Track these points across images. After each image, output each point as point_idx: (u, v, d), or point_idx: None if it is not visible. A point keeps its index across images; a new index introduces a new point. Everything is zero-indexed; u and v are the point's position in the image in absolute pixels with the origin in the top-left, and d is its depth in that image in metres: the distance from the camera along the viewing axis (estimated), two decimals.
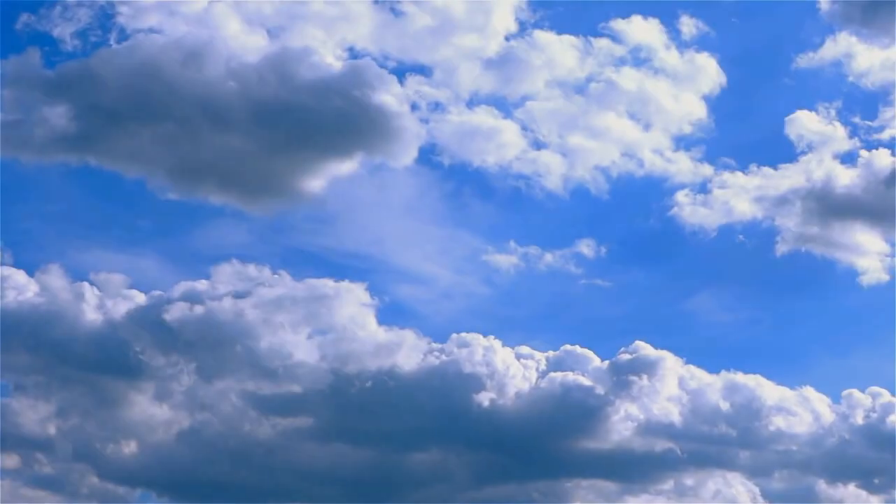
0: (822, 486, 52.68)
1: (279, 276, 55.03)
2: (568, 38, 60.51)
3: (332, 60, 55.49)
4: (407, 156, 56.38)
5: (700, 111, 60.75)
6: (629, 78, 60.64)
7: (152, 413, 51.64)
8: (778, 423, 52.71)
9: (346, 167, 56.21)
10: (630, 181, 61.40)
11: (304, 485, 51.74)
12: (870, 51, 60.81)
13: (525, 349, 54.57)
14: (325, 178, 56.08)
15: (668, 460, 51.58)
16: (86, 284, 53.25)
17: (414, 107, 57.74)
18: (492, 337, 53.72)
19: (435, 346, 53.34)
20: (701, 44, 61.59)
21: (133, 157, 54.26)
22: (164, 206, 57.88)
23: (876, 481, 52.02)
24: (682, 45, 61.39)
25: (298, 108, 54.50)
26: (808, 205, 58.77)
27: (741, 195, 59.88)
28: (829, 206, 58.28)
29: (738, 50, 64.29)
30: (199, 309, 51.71)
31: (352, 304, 53.61)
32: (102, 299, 52.96)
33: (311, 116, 54.47)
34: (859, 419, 53.63)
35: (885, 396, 54.00)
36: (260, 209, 56.94)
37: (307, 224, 60.72)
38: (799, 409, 53.46)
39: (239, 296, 52.43)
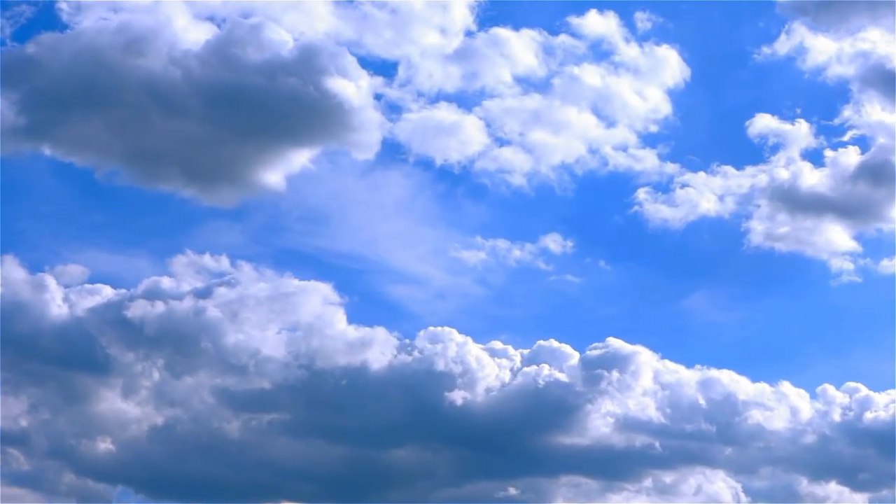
0: (803, 482, 52.38)
1: (241, 269, 54.52)
2: (527, 34, 60.54)
3: (287, 45, 54.44)
4: (369, 149, 56.01)
5: (664, 106, 60.81)
6: (591, 73, 60.64)
7: (123, 409, 51.01)
8: (756, 418, 52.42)
9: (305, 157, 55.40)
10: (595, 178, 61.31)
11: (283, 482, 51.21)
12: (826, 42, 61.06)
13: (498, 345, 54.25)
14: (284, 167, 55.18)
15: (648, 456, 51.27)
16: (46, 276, 52.57)
17: (376, 96, 57.32)
18: (455, 331, 53.50)
19: (407, 342, 52.90)
20: (660, 36, 61.68)
21: (84, 145, 53.09)
22: (119, 194, 57.04)
23: (860, 477, 51.78)
24: (640, 38, 61.47)
25: (255, 94, 53.54)
26: (775, 202, 58.91)
27: (707, 192, 59.89)
28: (797, 203, 58.41)
29: (698, 41, 64.41)
30: (165, 303, 51.04)
31: (317, 301, 53.03)
32: (64, 292, 52.26)
33: (269, 103, 53.55)
34: (837, 415, 53.39)
35: (863, 391, 53.87)
36: (216, 198, 55.91)
37: (268, 215, 60.05)
38: (776, 405, 53.19)
39: (201, 294, 51.83)
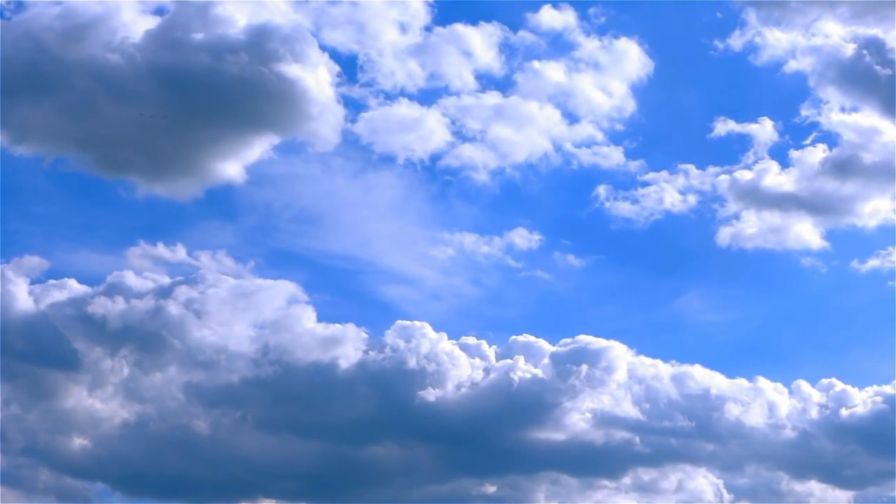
0: (786, 479, 52.11)
1: (202, 260, 53.85)
2: (487, 29, 60.38)
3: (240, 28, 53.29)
4: (329, 141, 55.43)
5: (627, 101, 60.81)
6: (552, 69, 60.52)
7: (94, 405, 50.29)
8: (735, 414, 52.14)
9: (263, 147, 54.67)
10: (559, 174, 61.10)
11: (260, 478, 50.69)
12: (780, 35, 61.12)
13: (472, 340, 53.77)
14: (242, 157, 54.54)
15: (628, 453, 50.96)
16: (4, 268, 51.78)
17: (336, 84, 56.73)
18: (427, 325, 52.90)
19: (378, 340, 52.36)
20: (618, 29, 61.62)
21: (31, 132, 51.91)
22: (72, 182, 56.00)
23: (845, 474, 51.53)
24: (599, 31, 61.36)
25: (207, 79, 52.40)
26: (742, 199, 58.91)
27: (671, 189, 59.81)
28: (764, 200, 58.40)
29: (657, 34, 64.38)
30: (130, 299, 50.34)
31: (282, 296, 52.37)
32: (26, 285, 51.62)
33: (223, 88, 52.33)
34: (817, 412, 53.13)
35: (841, 387, 53.66)
36: (172, 188, 54.91)
37: (226, 206, 59.24)
38: (755, 401, 52.89)
39: (162, 293, 51.14)
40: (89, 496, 49.67)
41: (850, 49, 57.60)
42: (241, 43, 51.77)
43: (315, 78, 52.73)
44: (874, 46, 56.79)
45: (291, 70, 52.05)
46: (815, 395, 53.69)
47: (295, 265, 60.04)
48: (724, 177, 59.49)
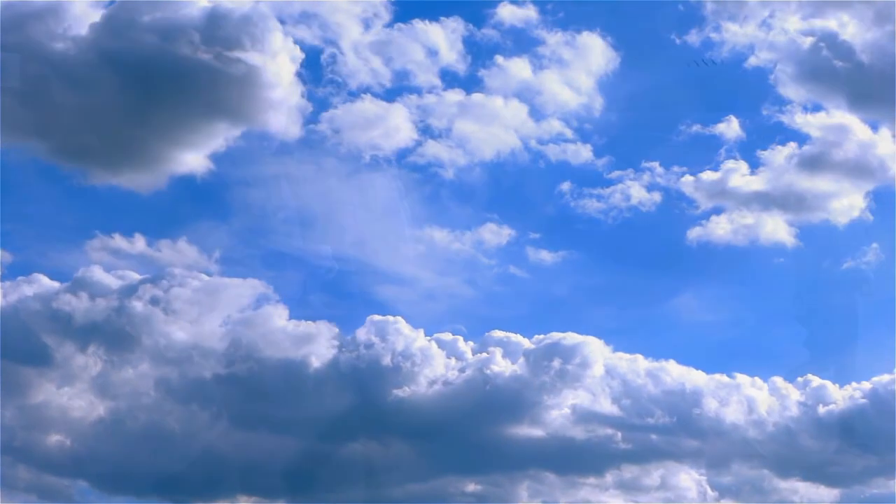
0: (771, 476, 52.09)
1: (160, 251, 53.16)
2: (450, 24, 59.93)
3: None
4: (293, 133, 54.68)
5: (595, 97, 60.39)
6: (516, 65, 60.12)
7: (67, 401, 49.46)
8: (716, 411, 51.90)
9: (224, 137, 53.41)
10: (526, 170, 60.76)
11: (239, 476, 49.79)
12: (738, 29, 60.99)
13: (448, 336, 53.17)
14: (204, 147, 52.56)
15: (609, 449, 50.62)
16: None
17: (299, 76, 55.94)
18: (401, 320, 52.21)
19: (349, 339, 51.69)
20: (581, 23, 61.13)
21: None
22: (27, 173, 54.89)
23: (830, 471, 51.54)
24: (561, 26, 60.93)
25: (169, 67, 50.08)
26: (712, 197, 58.89)
27: (639, 185, 59.76)
28: (733, 195, 58.38)
29: (620, 27, 63.79)
30: (99, 292, 49.54)
31: (250, 291, 51.79)
32: None
33: (185, 78, 50.13)
34: (794, 408, 53.07)
35: (816, 382, 53.66)
36: (127, 180, 53.56)
37: (188, 200, 58.01)
38: (732, 397, 52.74)
39: (131, 289, 50.38)
40: (71, 494, 48.89)
41: (807, 42, 57.45)
42: (200, 27, 50.62)
43: (277, 67, 51.88)
44: (831, 40, 56.63)
45: (252, 58, 50.91)
46: (794, 393, 53.69)
47: (262, 259, 59.18)
48: (688, 178, 59.34)
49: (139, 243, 53.26)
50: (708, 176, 58.39)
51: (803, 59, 55.81)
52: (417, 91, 58.22)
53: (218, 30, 50.29)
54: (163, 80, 50.09)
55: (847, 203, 55.40)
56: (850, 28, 54.51)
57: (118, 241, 53.46)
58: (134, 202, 55.79)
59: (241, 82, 50.27)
